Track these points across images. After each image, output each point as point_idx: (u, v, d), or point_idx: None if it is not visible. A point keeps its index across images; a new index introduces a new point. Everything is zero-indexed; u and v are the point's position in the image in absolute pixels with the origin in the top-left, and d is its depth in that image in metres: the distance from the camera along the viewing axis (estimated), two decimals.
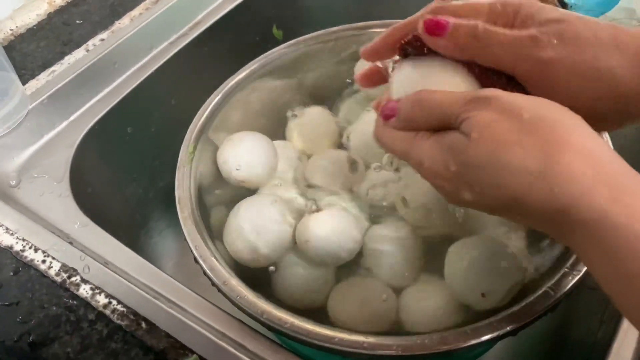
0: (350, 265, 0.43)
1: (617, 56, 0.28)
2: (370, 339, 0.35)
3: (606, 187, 0.24)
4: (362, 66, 0.53)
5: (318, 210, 0.42)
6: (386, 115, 0.32)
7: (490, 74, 0.30)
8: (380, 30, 0.53)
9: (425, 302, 0.40)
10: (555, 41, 0.28)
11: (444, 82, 0.31)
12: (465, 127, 0.27)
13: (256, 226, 0.42)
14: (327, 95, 0.55)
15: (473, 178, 0.27)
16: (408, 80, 0.32)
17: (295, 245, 0.43)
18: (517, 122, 0.26)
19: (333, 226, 0.41)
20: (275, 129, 0.53)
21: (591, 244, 0.24)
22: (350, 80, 0.54)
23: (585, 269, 0.36)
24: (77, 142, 0.53)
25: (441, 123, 0.29)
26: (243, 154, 0.46)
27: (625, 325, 0.37)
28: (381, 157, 0.49)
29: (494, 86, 0.30)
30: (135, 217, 0.63)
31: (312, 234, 0.41)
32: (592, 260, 0.25)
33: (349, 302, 0.41)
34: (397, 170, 0.46)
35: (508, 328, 0.34)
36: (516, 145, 0.25)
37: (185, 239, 0.42)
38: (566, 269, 0.36)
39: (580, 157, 0.24)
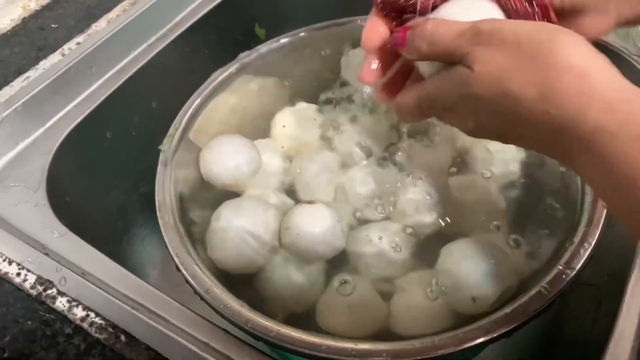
0: (338, 270, 0.42)
1: None
2: (360, 346, 0.34)
3: (601, 101, 0.24)
4: (347, 60, 0.52)
5: (310, 202, 0.41)
6: (396, 43, 0.34)
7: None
8: (364, 24, 0.53)
9: (415, 306, 0.39)
10: None
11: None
12: (469, 60, 0.28)
13: (240, 230, 0.41)
14: (311, 93, 0.53)
15: (476, 108, 0.29)
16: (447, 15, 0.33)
17: (281, 250, 0.42)
18: (516, 51, 0.27)
19: (317, 218, 0.40)
20: (259, 129, 0.52)
21: (588, 156, 0.25)
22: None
23: (579, 266, 0.35)
24: (54, 149, 0.52)
25: (446, 55, 0.30)
26: (224, 157, 0.45)
27: (621, 323, 0.36)
28: (369, 154, 0.48)
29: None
30: (116, 225, 0.61)
31: (293, 222, 0.40)
32: (590, 174, 0.26)
33: (337, 307, 0.40)
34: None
35: (502, 330, 0.33)
36: (516, 73, 0.26)
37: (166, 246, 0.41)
38: (560, 267, 0.35)
39: (576, 77, 0.25)
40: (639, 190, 0.23)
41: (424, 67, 0.34)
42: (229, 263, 0.41)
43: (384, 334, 0.38)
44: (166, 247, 0.41)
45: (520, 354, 0.52)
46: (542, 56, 0.26)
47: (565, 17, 0.33)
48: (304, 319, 0.40)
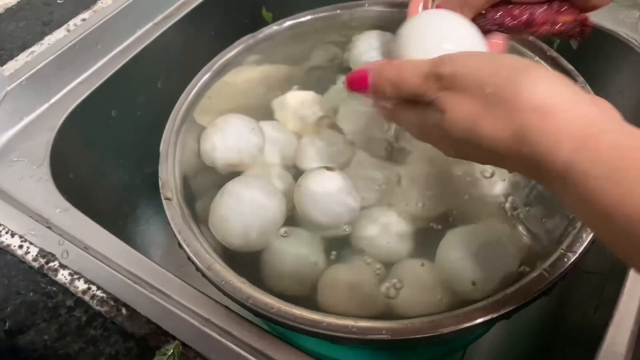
0: (339, 251, 0.42)
1: None
2: (360, 323, 0.34)
3: (570, 138, 0.25)
4: (352, 47, 0.51)
5: (329, 169, 0.42)
6: (357, 85, 0.34)
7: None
8: (371, 9, 0.53)
9: (416, 289, 0.39)
10: None
11: (448, 38, 0.33)
12: (437, 107, 0.30)
13: (243, 209, 0.41)
14: (316, 76, 0.53)
15: (454, 144, 0.30)
16: (416, 33, 0.34)
17: (284, 227, 0.42)
18: (481, 97, 0.28)
19: (332, 181, 0.41)
20: (263, 110, 0.51)
21: (566, 191, 0.26)
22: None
23: (580, 250, 0.35)
24: (58, 125, 0.52)
25: (414, 97, 0.31)
26: (227, 137, 0.45)
27: (622, 309, 0.36)
28: (372, 140, 0.48)
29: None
30: (121, 205, 0.61)
31: (307, 182, 0.41)
32: (571, 206, 0.27)
33: (338, 287, 0.40)
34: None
35: (502, 311, 0.33)
36: (485, 119, 0.28)
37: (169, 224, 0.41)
38: (562, 251, 0.35)
39: (542, 116, 0.26)
40: (617, 224, 0.24)
41: None
42: (232, 239, 0.41)
43: (384, 316, 0.38)
44: (169, 225, 0.41)
45: (522, 339, 0.52)
46: (507, 100, 0.27)
47: None
48: (304, 299, 0.40)
